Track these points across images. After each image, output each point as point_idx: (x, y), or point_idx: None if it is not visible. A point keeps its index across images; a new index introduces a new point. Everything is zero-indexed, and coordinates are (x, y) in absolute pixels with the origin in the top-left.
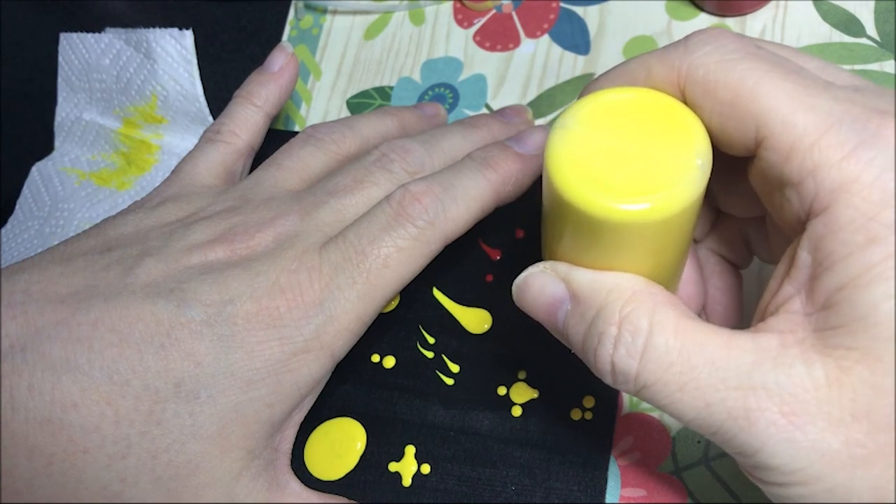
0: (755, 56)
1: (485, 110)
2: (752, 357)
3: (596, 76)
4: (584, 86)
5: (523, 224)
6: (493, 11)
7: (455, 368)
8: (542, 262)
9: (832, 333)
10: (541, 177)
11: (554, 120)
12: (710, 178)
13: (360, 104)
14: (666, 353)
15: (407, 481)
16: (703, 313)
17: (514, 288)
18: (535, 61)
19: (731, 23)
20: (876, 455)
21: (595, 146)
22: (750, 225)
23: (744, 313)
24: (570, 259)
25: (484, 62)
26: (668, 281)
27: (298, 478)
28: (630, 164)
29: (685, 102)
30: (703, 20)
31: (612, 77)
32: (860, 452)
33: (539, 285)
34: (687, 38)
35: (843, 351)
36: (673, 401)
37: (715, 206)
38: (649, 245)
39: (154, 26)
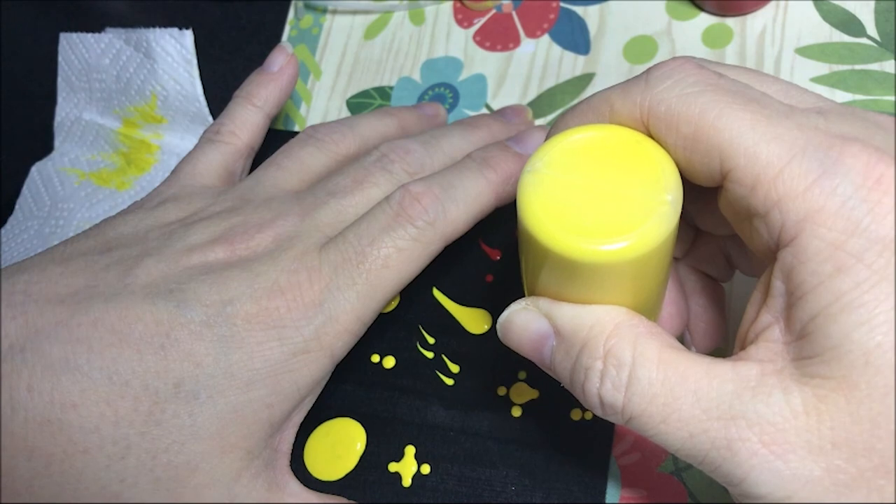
0: (715, 87)
1: (485, 110)
2: (732, 387)
3: (593, 80)
4: (582, 87)
5: None
6: (493, 11)
7: (455, 368)
8: (524, 299)
9: (808, 362)
10: None
11: (550, 122)
12: (685, 200)
13: (360, 104)
14: (649, 385)
15: (407, 481)
16: (687, 331)
17: (498, 326)
18: (535, 61)
19: (732, 23)
20: (858, 480)
21: (566, 188)
22: (729, 241)
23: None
24: (550, 294)
25: (484, 62)
26: (650, 310)
27: (298, 478)
28: (602, 203)
29: (650, 137)
30: (704, 20)
31: (577, 115)
32: (842, 478)
33: (522, 323)
34: (648, 71)
35: (819, 380)
36: (658, 432)
37: (693, 224)
38: (627, 281)
39: (154, 26)
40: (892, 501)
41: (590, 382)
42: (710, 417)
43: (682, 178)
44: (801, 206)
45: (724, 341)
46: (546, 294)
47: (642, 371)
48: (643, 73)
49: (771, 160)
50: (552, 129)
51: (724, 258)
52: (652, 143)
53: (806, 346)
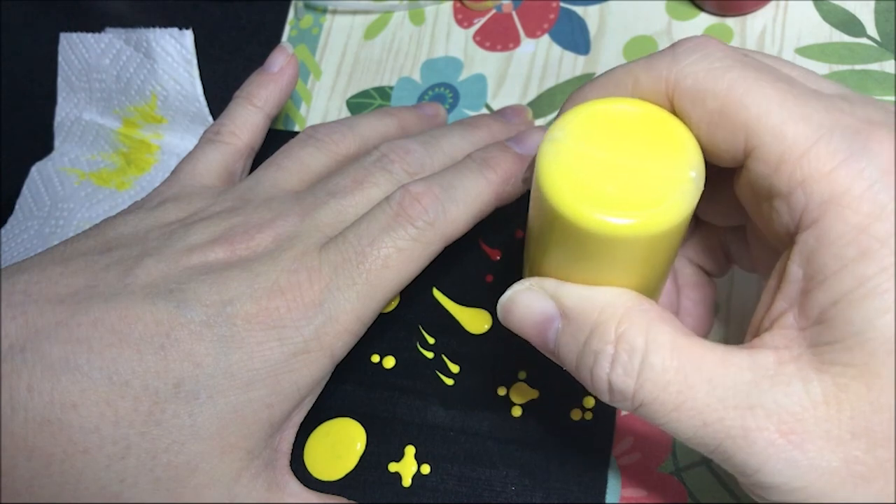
0: (743, 64)
1: (485, 110)
2: (750, 375)
3: (594, 77)
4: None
5: (523, 224)
6: (493, 11)
7: (455, 368)
8: (529, 279)
9: (828, 349)
10: None
11: (550, 122)
12: None
13: (360, 104)
14: (663, 372)
15: (407, 482)
16: None
17: (499, 307)
18: (535, 61)
19: (732, 23)
20: (876, 471)
21: (586, 159)
22: (730, 234)
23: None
24: (557, 274)
25: (484, 62)
26: (653, 292)
27: (298, 478)
28: (623, 176)
29: (673, 112)
30: (704, 20)
31: (599, 86)
32: (860, 469)
33: (526, 303)
34: (674, 46)
35: (839, 367)
36: (670, 420)
37: (694, 213)
38: (640, 259)
39: (154, 26)
40: None
41: (599, 367)
42: (725, 406)
43: None
44: (826, 187)
45: (708, 338)
46: (552, 273)
47: (655, 357)
48: (669, 46)
49: (798, 139)
50: (569, 100)
51: (723, 252)
52: (675, 119)
53: (825, 332)
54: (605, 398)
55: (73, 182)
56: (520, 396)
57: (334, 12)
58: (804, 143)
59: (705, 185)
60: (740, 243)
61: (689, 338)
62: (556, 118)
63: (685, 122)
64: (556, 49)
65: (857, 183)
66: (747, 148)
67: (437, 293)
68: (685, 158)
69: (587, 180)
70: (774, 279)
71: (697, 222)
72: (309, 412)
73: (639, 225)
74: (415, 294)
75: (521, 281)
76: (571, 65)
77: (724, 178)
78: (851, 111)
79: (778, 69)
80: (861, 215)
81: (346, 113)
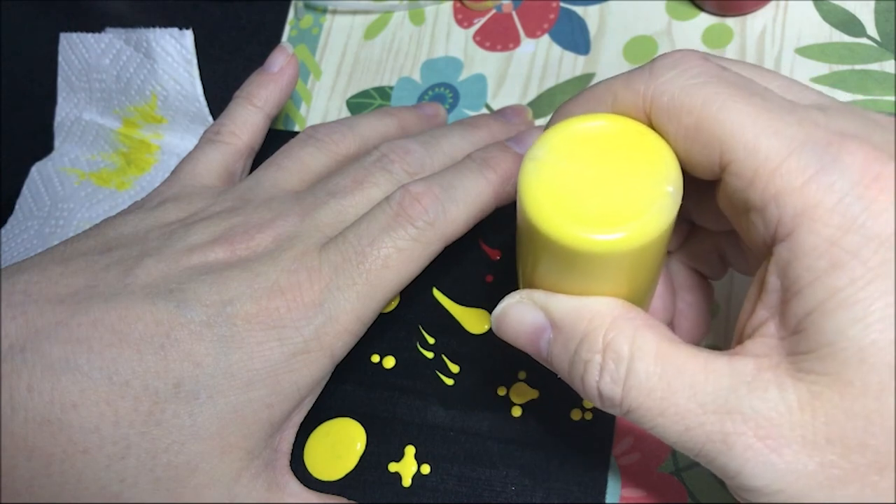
0: (718, 79)
1: (485, 110)
2: (729, 381)
3: (593, 80)
4: (582, 87)
5: None
6: (493, 11)
7: (455, 368)
8: (519, 292)
9: (803, 358)
10: None
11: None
12: (683, 194)
13: (360, 104)
14: (646, 379)
15: (407, 482)
16: (671, 327)
17: (492, 319)
18: (535, 61)
19: (732, 23)
20: (852, 475)
21: (567, 176)
22: (725, 238)
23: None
24: (546, 286)
25: (484, 62)
26: (641, 300)
27: (298, 478)
28: (602, 192)
29: (652, 127)
30: (704, 20)
31: (579, 103)
32: (836, 473)
33: (518, 315)
34: (652, 62)
35: (814, 376)
36: (655, 424)
37: (689, 218)
38: (624, 271)
39: (154, 26)
40: (886, 497)
41: (589, 375)
42: (706, 411)
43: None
44: (797, 200)
45: (704, 340)
46: (542, 285)
47: (640, 365)
48: (647, 63)
49: (770, 154)
50: (553, 117)
51: (719, 256)
52: (654, 134)
53: (801, 342)
54: (598, 404)
55: (73, 182)
56: (520, 396)
57: (334, 12)
58: (776, 158)
59: (698, 192)
60: (735, 247)
61: (673, 344)
62: (539, 137)
63: (663, 137)
64: (556, 49)
65: (827, 196)
66: (723, 162)
67: (437, 293)
68: (663, 173)
69: (567, 198)
70: (755, 288)
71: (693, 227)
72: (309, 412)
73: (616, 241)
74: (415, 294)
75: (512, 294)
76: (571, 65)
77: (713, 186)
78: (825, 123)
79: (755, 82)
80: (832, 228)
81: (346, 113)
